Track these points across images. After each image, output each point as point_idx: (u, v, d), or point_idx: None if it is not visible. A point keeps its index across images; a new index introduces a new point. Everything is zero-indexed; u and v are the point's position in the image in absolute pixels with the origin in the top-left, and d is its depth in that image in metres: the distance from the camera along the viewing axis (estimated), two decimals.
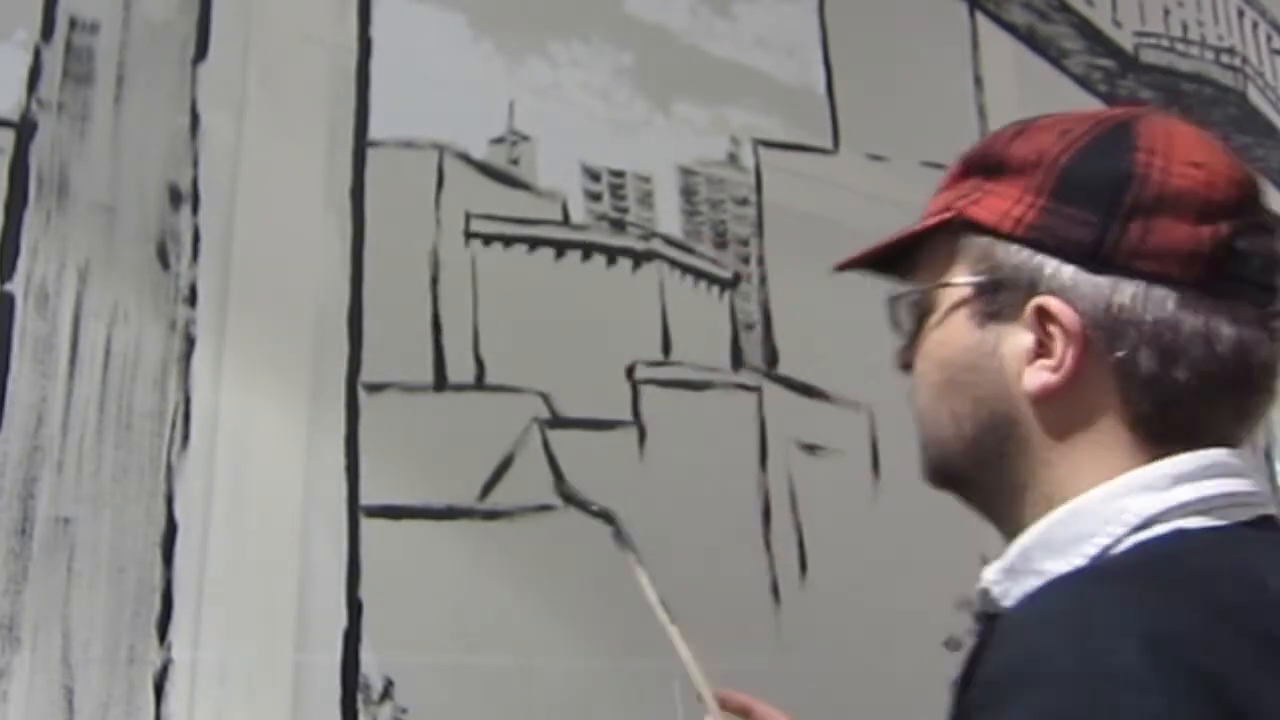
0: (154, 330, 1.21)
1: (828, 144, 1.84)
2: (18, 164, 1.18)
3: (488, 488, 1.37)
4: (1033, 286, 0.71)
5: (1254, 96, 2.66)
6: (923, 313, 0.78)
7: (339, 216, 1.35)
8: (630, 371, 1.52)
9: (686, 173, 1.66)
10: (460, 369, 1.39)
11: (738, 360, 1.61)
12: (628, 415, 1.50)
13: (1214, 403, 0.69)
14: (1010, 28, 2.20)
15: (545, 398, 1.44)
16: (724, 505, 1.56)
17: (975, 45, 2.13)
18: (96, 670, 1.11)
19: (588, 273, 1.53)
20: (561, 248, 1.51)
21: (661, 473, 1.51)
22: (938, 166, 2.19)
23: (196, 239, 1.26)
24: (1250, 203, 0.71)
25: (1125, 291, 0.69)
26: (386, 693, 1.24)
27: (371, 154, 1.39)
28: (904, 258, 0.80)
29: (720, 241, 1.67)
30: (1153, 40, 2.47)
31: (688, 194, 1.65)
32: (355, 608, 1.25)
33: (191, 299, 1.24)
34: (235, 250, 1.28)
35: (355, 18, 1.42)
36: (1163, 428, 0.69)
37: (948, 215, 0.76)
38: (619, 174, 1.59)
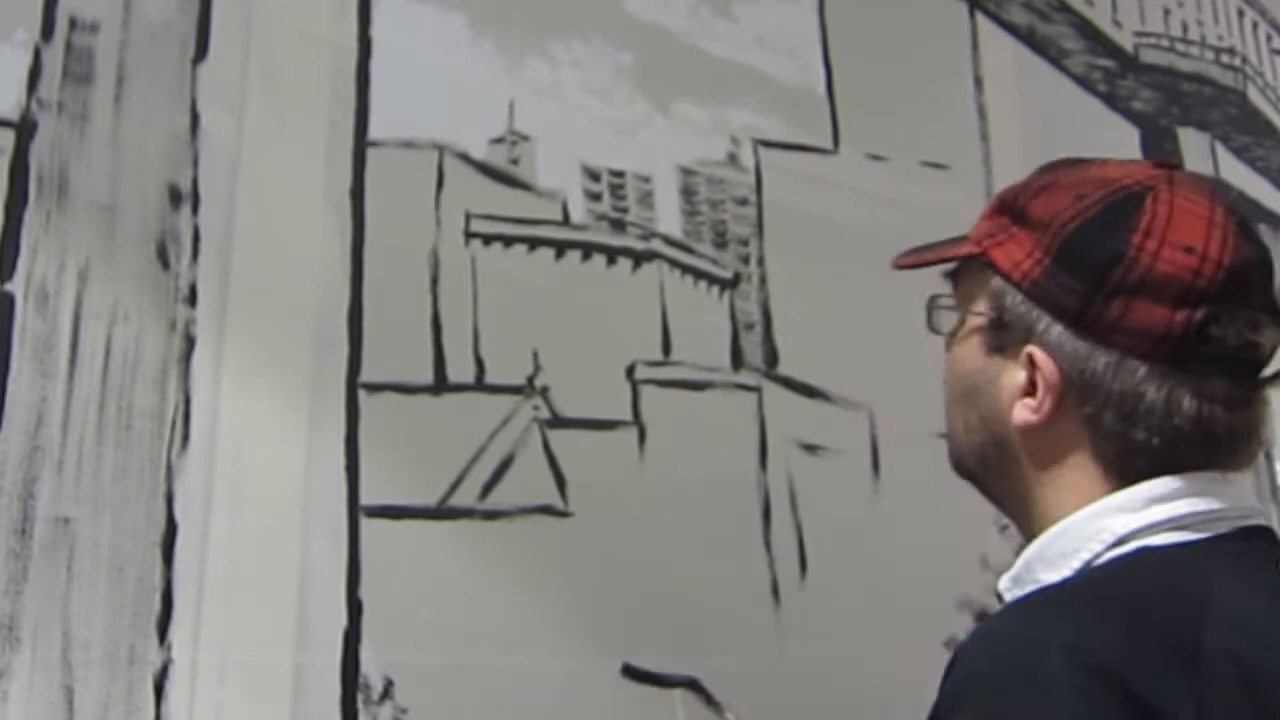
0: (154, 330, 1.21)
1: (828, 144, 1.84)
2: (18, 164, 1.18)
3: (488, 488, 1.37)
4: (1028, 335, 0.81)
5: (1254, 96, 2.66)
6: (954, 322, 0.89)
7: (339, 216, 1.35)
8: (630, 371, 1.52)
9: (686, 173, 1.66)
10: (460, 369, 1.39)
11: (738, 360, 1.61)
12: (628, 415, 1.50)
13: (1175, 457, 0.77)
14: (1010, 28, 2.20)
15: (545, 398, 1.44)
16: (724, 505, 1.56)
17: (975, 45, 2.13)
18: (96, 670, 1.11)
19: (588, 273, 1.53)
20: (561, 248, 1.51)
21: (661, 473, 1.51)
22: (938, 166, 2.21)
23: (196, 239, 1.26)
24: (1238, 287, 0.77)
25: (1099, 359, 0.78)
26: (386, 693, 1.24)
27: (371, 154, 1.39)
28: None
29: (720, 241, 1.67)
30: (1153, 40, 2.47)
31: (688, 194, 1.65)
32: (355, 608, 1.25)
33: (191, 299, 1.24)
34: (235, 250, 1.28)
35: (355, 18, 1.42)
36: (1126, 469, 0.79)
37: (978, 250, 0.85)
38: (619, 174, 1.59)
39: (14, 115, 1.19)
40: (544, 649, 1.36)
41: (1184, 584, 0.73)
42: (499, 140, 1.50)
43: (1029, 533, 0.84)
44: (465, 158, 1.46)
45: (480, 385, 1.40)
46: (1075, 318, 0.79)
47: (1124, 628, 0.69)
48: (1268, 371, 0.80)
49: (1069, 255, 0.80)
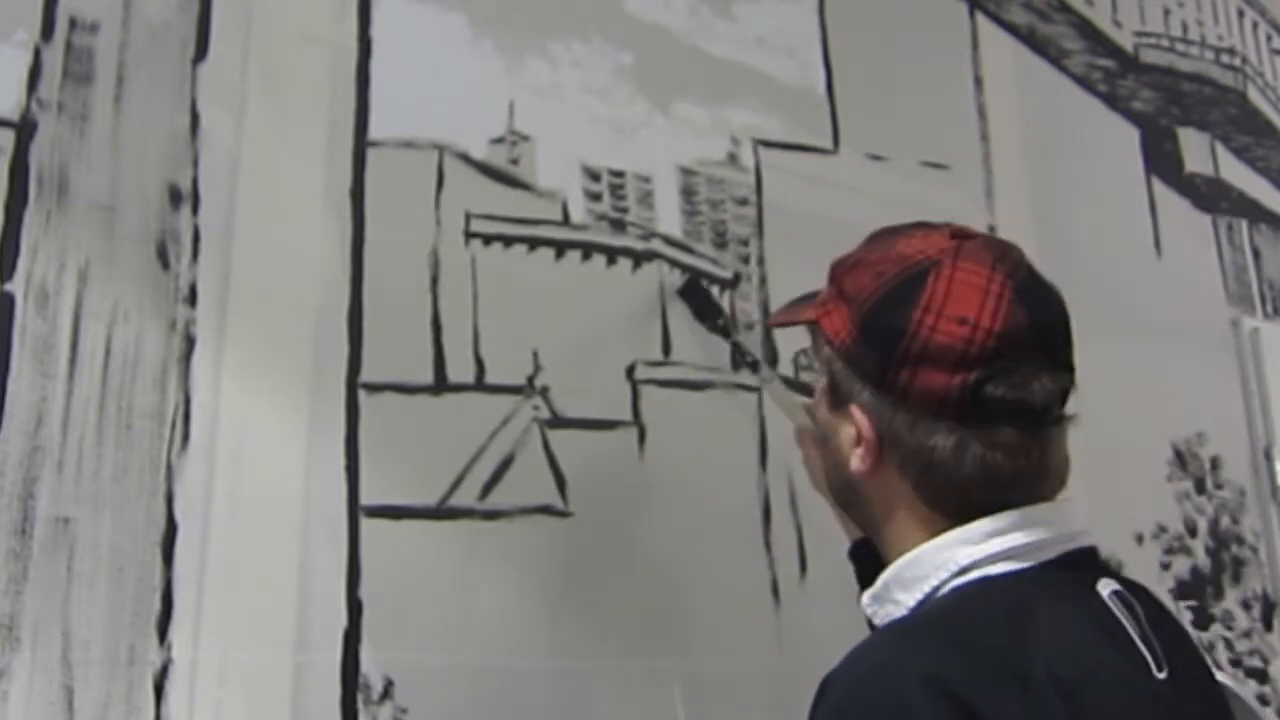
0: (154, 330, 1.21)
1: (828, 144, 1.84)
2: (18, 164, 1.18)
3: (488, 488, 1.37)
4: (850, 396, 0.94)
5: (1254, 96, 2.66)
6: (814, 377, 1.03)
7: (339, 216, 1.35)
8: (630, 371, 1.52)
9: (686, 173, 1.66)
10: (460, 369, 1.39)
11: (738, 360, 1.61)
12: (628, 415, 1.50)
13: (972, 497, 0.89)
14: (1010, 28, 2.20)
15: (545, 398, 1.44)
16: (724, 505, 1.56)
17: (975, 45, 2.13)
18: (96, 670, 1.11)
19: (588, 273, 1.53)
20: (561, 248, 1.51)
21: (661, 473, 1.51)
22: (938, 166, 2.21)
23: (196, 239, 1.26)
24: (1009, 350, 0.87)
25: (899, 419, 0.91)
26: (386, 693, 1.24)
27: (371, 154, 1.39)
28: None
29: (720, 241, 1.67)
30: (1153, 40, 2.47)
31: (688, 194, 1.65)
32: (355, 608, 1.25)
33: (191, 299, 1.24)
34: (235, 250, 1.28)
35: (355, 18, 1.42)
36: (944, 508, 0.91)
37: (815, 319, 0.99)
38: (619, 174, 1.59)
39: (14, 115, 1.19)
40: (544, 649, 1.36)
41: (1017, 612, 0.84)
42: (499, 140, 1.50)
43: (886, 558, 0.96)
44: (465, 158, 1.46)
45: (480, 385, 1.40)
46: (877, 383, 0.91)
47: (970, 656, 0.81)
48: (1059, 413, 0.92)
49: (868, 329, 0.92)
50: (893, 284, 0.91)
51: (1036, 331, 0.89)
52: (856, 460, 0.94)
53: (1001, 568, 0.88)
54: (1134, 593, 0.92)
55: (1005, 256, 0.91)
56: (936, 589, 0.89)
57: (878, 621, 0.96)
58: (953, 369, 0.87)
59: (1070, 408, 0.93)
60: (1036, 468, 0.90)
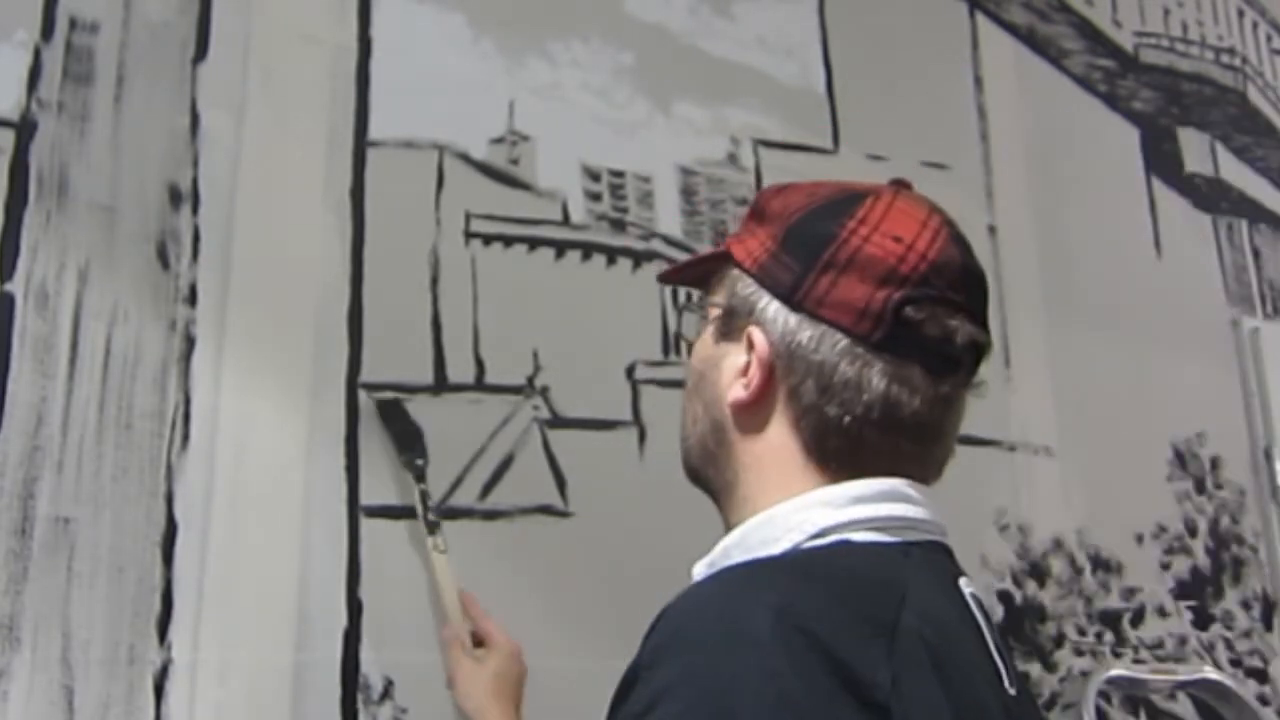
0: (154, 330, 1.21)
1: (828, 144, 1.84)
2: (18, 164, 1.18)
3: (488, 488, 1.37)
4: (749, 315, 0.85)
5: (1254, 96, 2.66)
6: (699, 323, 0.93)
7: (339, 216, 1.35)
8: (630, 371, 1.52)
9: (686, 173, 1.66)
10: (460, 369, 1.39)
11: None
12: (628, 415, 1.50)
13: (863, 439, 0.81)
14: (1010, 28, 2.20)
15: (545, 398, 1.44)
16: None
17: (975, 45, 2.13)
18: (96, 670, 1.11)
19: (588, 273, 1.53)
20: (561, 248, 1.51)
21: (661, 473, 1.51)
22: (938, 166, 2.20)
23: (196, 239, 1.26)
24: (938, 279, 0.81)
25: (805, 332, 0.82)
26: (386, 693, 1.24)
27: (371, 154, 1.39)
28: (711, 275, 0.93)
29: (720, 242, 1.67)
30: (1153, 40, 2.47)
31: (688, 194, 1.65)
32: (355, 608, 1.25)
33: (191, 299, 1.24)
34: (235, 250, 1.28)
35: (355, 18, 1.43)
36: (823, 452, 0.82)
37: (721, 248, 0.91)
38: (619, 174, 1.59)
39: (14, 115, 1.19)
40: (544, 649, 1.36)
41: (883, 572, 0.76)
42: (499, 140, 1.50)
43: (734, 522, 0.85)
44: (465, 158, 1.46)
45: (480, 385, 1.40)
46: (789, 293, 0.83)
47: (828, 598, 0.72)
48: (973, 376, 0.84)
49: (792, 238, 0.85)
50: (827, 199, 0.86)
51: (966, 276, 0.83)
52: (739, 388, 0.84)
53: (863, 536, 0.78)
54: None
55: (942, 211, 0.86)
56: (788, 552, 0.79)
57: None
58: (878, 283, 0.80)
59: (983, 372, 0.86)
60: (934, 424, 0.82)
